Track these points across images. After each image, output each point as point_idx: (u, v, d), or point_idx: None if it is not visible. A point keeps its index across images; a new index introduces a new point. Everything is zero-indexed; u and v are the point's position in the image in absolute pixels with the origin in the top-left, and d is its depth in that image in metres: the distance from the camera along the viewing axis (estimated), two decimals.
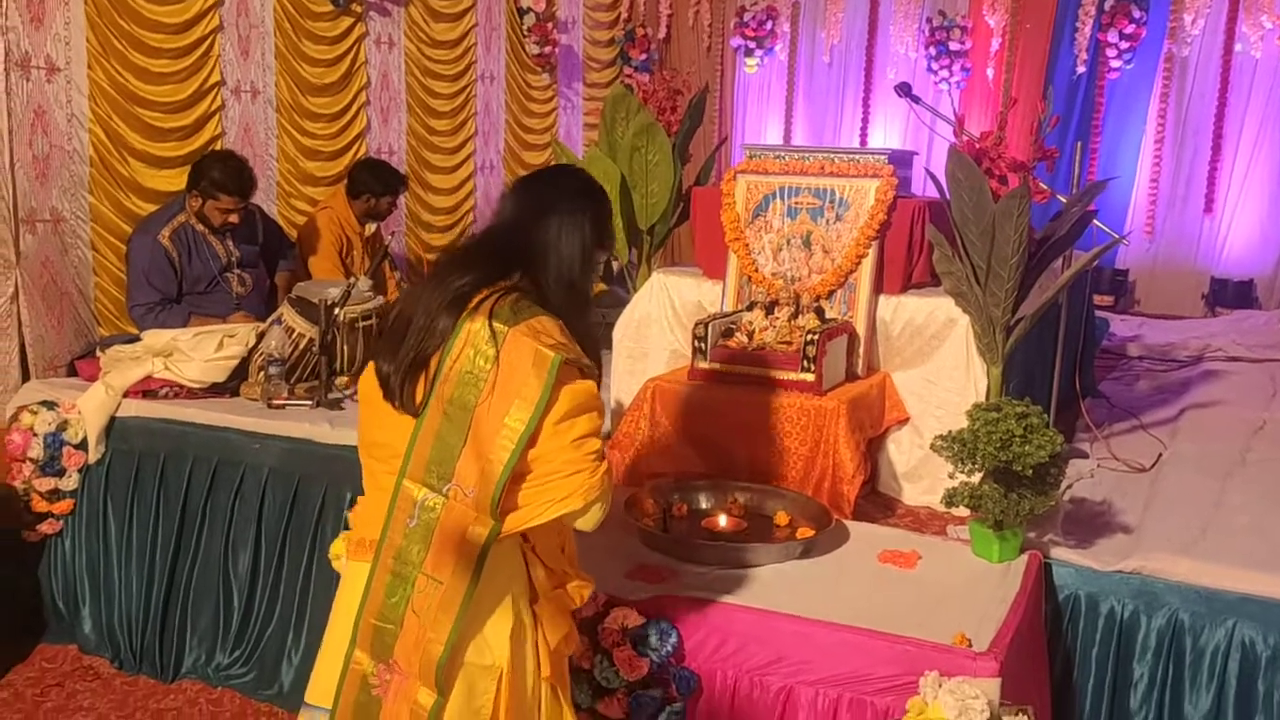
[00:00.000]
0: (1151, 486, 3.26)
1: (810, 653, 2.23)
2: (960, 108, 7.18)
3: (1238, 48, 6.99)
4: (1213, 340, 5.69)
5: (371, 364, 1.90)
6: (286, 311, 3.90)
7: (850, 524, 2.92)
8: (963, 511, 2.74)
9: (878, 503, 3.34)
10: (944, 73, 7.51)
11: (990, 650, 2.13)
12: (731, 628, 2.31)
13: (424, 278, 2.44)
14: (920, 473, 3.34)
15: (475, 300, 1.84)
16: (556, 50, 7.15)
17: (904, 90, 4.23)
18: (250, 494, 3.53)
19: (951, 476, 2.64)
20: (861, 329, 3.38)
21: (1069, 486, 2.80)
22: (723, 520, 2.86)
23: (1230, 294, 6.90)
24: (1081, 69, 7.22)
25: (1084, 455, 3.53)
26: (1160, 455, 3.58)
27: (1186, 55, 7.14)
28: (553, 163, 4.69)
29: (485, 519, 1.77)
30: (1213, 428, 3.98)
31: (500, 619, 1.86)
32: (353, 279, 4.02)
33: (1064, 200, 3.41)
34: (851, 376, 3.35)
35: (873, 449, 3.35)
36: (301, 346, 3.85)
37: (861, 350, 3.38)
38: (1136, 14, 6.99)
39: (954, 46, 7.45)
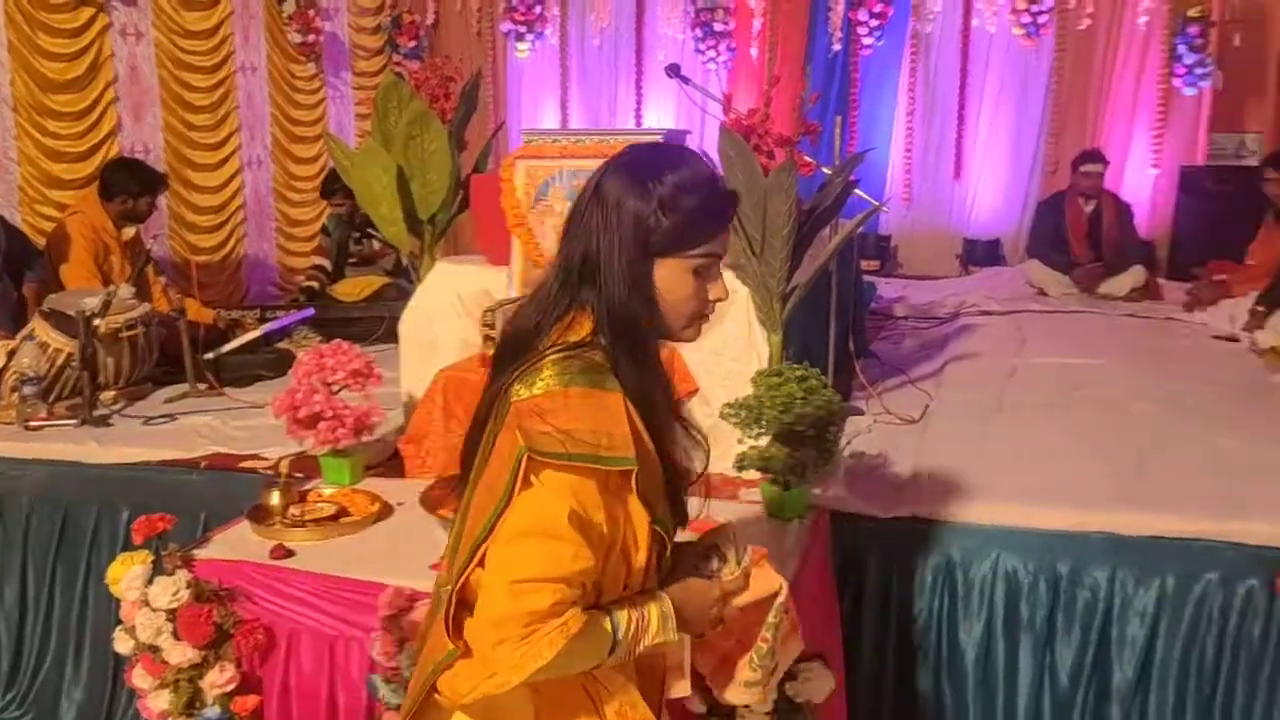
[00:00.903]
0: (921, 436, 3.49)
1: None
2: (728, 87, 7.40)
3: (975, 23, 7.52)
4: (967, 297, 6.14)
5: None
6: (39, 326, 3.64)
7: None
8: (754, 475, 2.85)
9: None
10: (711, 53, 7.72)
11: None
12: None
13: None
14: (712, 440, 3.43)
15: (535, 351, 1.42)
16: (321, 39, 6.92)
17: (673, 71, 4.34)
18: (13, 524, 3.28)
19: (740, 442, 2.74)
20: None
21: (848, 443, 2.96)
22: None
23: (981, 253, 7.44)
24: (837, 47, 7.59)
25: (860, 412, 3.74)
26: (928, 406, 3.83)
27: (930, 32, 7.62)
28: (338, 156, 4.09)
29: (444, 639, 1.41)
30: (972, 378, 4.29)
31: None
32: (113, 287, 3.79)
33: (828, 172, 3.59)
34: None
35: None
36: (59, 363, 3.60)
37: None
38: None
39: (719, 27, 7.66)
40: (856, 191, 3.62)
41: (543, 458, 1.32)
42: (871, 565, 2.84)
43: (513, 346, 1.46)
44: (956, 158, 7.71)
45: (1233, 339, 4.99)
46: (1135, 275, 6.21)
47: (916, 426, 3.62)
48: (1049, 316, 5.68)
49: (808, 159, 3.69)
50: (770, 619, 1.69)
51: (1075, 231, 6.39)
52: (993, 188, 7.62)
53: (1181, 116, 7.33)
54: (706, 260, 1.44)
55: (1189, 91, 7.14)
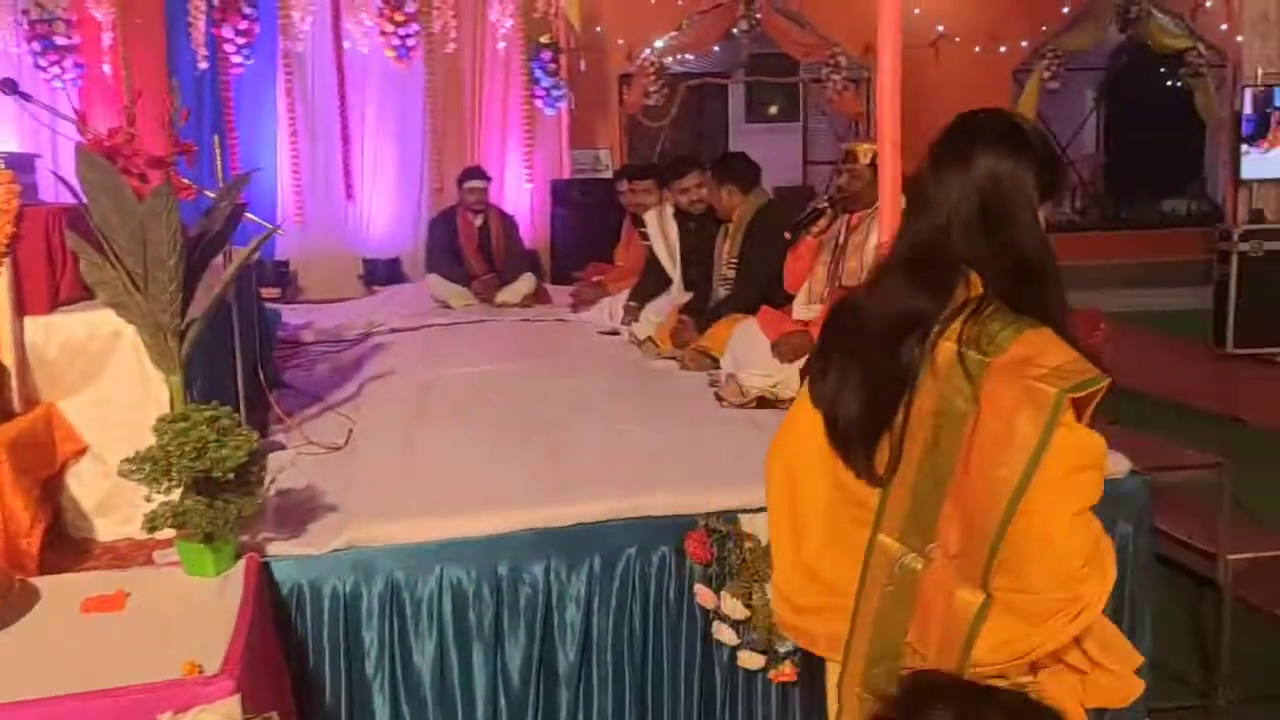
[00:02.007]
0: (349, 462, 3.39)
1: None
2: (81, 105, 6.64)
3: (346, 44, 7.54)
4: (375, 316, 6.15)
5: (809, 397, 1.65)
6: None
7: (39, 581, 2.54)
8: (169, 532, 2.55)
9: (69, 548, 2.96)
10: (55, 69, 6.88)
11: (224, 669, 2.01)
12: None
13: (860, 298, 1.70)
14: (113, 503, 3.03)
15: (937, 325, 1.54)
16: None
17: (10, 87, 3.77)
18: None
19: (149, 499, 2.43)
20: (9, 359, 2.94)
21: (273, 481, 2.77)
22: None
23: (382, 271, 7.51)
24: (204, 64, 7.16)
25: (281, 447, 3.54)
26: (351, 431, 3.73)
27: (303, 51, 7.50)
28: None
29: (975, 590, 1.47)
30: (391, 396, 4.28)
31: None
32: None
33: (212, 195, 3.34)
34: (7, 415, 2.91)
35: (51, 490, 2.96)
36: None
37: (14, 383, 2.94)
38: (248, 10, 7.13)
39: (60, 41, 6.85)
40: (248, 215, 3.42)
41: (1077, 391, 1.41)
42: (314, 607, 2.68)
43: (904, 322, 1.55)
44: (346, 178, 7.69)
45: (614, 333, 5.53)
46: (527, 283, 6.65)
47: (342, 453, 3.51)
48: (455, 328, 5.86)
49: (186, 181, 3.41)
50: None
51: (468, 245, 6.68)
52: (386, 207, 7.73)
53: (546, 134, 8.01)
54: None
55: (549, 111, 7.83)
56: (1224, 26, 10.92)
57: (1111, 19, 11.44)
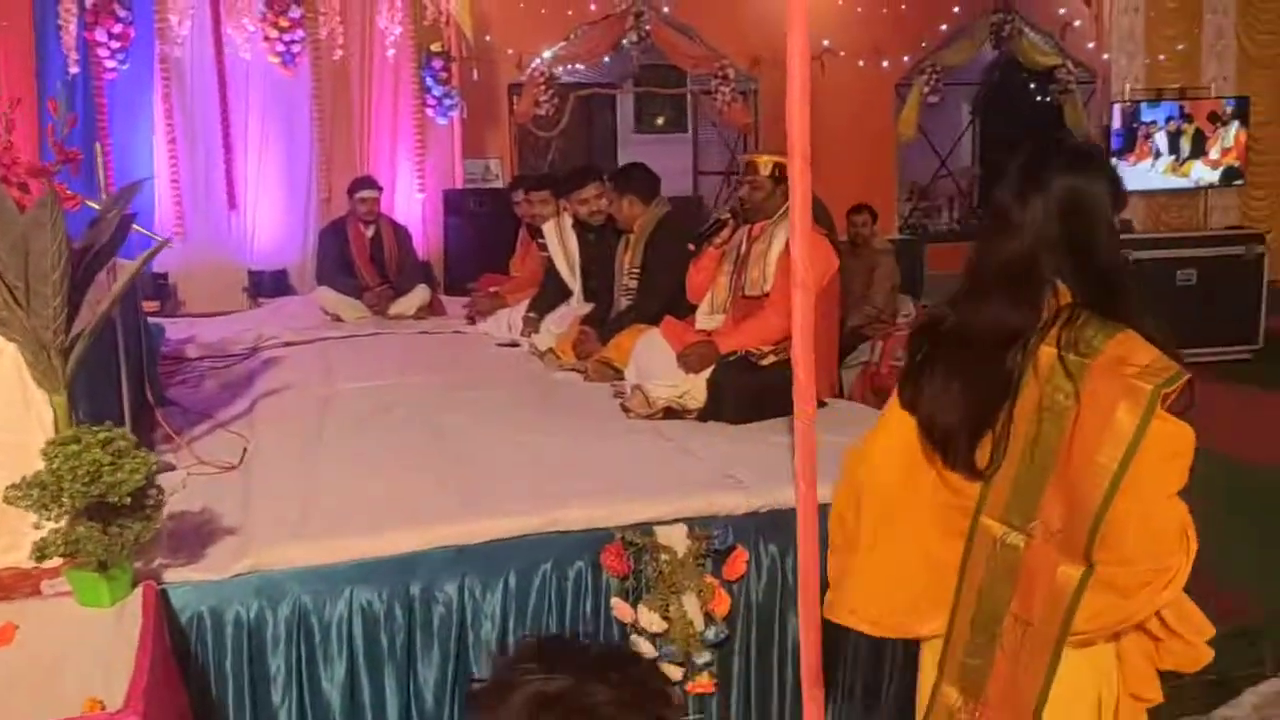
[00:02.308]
0: (246, 482, 3.26)
1: None
2: None
3: (228, 50, 7.30)
4: (263, 330, 5.96)
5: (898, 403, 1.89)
6: None
7: None
8: (57, 561, 2.41)
9: None
10: None
11: (127, 706, 1.91)
12: None
13: (949, 316, 1.91)
14: None
15: (1034, 335, 1.76)
16: None
17: None
18: None
19: (37, 527, 2.29)
20: None
21: (164, 503, 2.64)
22: None
23: (268, 284, 7.28)
24: (75, 69, 6.84)
25: (172, 467, 3.38)
26: (246, 449, 3.60)
27: (181, 56, 7.23)
28: None
29: (1077, 561, 1.69)
30: (287, 413, 4.14)
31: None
32: None
33: (96, 206, 3.18)
34: None
35: None
36: None
37: None
38: (122, 13, 6.84)
39: None
40: (135, 227, 3.27)
41: (1168, 386, 1.62)
42: (215, 634, 2.57)
43: (1007, 337, 1.78)
44: (229, 188, 7.43)
45: (514, 345, 5.47)
46: (421, 294, 6.54)
47: (238, 473, 3.38)
48: (349, 341, 5.73)
49: (69, 191, 3.25)
50: None
51: (360, 256, 6.53)
52: (271, 217, 7.50)
53: (438, 144, 7.90)
54: None
55: (441, 121, 7.71)
56: (1091, 45, 11.44)
57: (986, 36, 11.87)
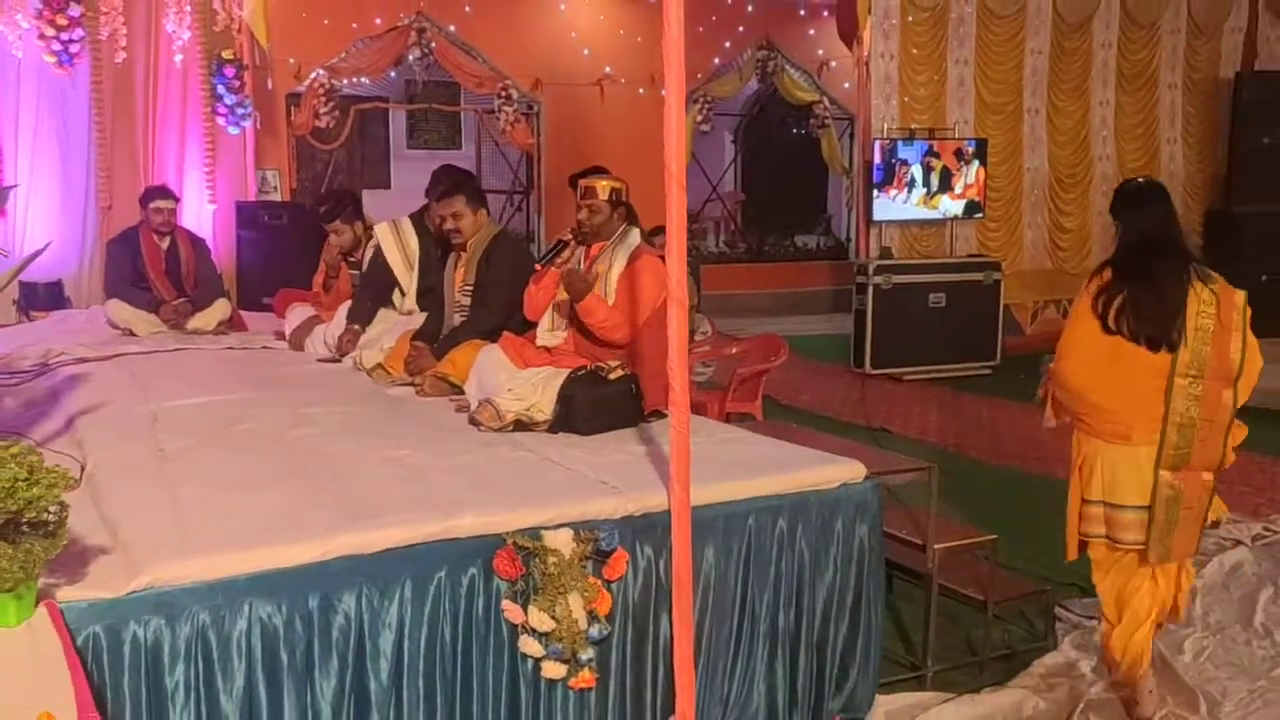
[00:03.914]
0: (96, 502, 3.14)
1: None
2: None
3: None
4: (50, 345, 5.61)
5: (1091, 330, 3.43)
6: None
7: None
8: None
9: None
10: None
11: (83, 715, 1.89)
12: None
13: (1138, 271, 3.43)
14: None
15: (1186, 279, 3.37)
16: None
17: None
18: None
19: None
20: None
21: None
22: None
23: (43, 296, 6.82)
24: None
25: None
26: (84, 469, 3.46)
27: None
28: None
29: (1229, 390, 3.31)
30: (114, 430, 3.96)
31: None
32: None
33: None
34: None
35: None
36: None
37: None
38: None
39: None
40: None
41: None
42: (112, 653, 2.51)
43: (1176, 277, 3.38)
44: None
45: (335, 360, 5.40)
46: (221, 309, 6.33)
47: (82, 493, 3.24)
48: (151, 357, 5.49)
49: None
50: None
51: (154, 269, 6.26)
52: (45, 225, 7.03)
53: (229, 154, 7.65)
54: None
55: (234, 130, 7.48)
56: (847, 85, 12.42)
57: (752, 71, 12.67)
